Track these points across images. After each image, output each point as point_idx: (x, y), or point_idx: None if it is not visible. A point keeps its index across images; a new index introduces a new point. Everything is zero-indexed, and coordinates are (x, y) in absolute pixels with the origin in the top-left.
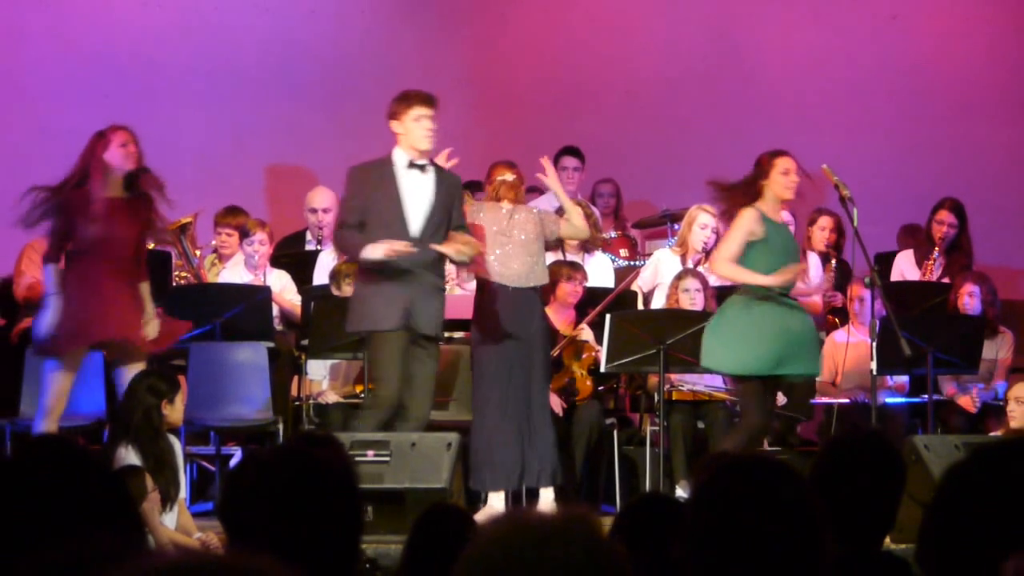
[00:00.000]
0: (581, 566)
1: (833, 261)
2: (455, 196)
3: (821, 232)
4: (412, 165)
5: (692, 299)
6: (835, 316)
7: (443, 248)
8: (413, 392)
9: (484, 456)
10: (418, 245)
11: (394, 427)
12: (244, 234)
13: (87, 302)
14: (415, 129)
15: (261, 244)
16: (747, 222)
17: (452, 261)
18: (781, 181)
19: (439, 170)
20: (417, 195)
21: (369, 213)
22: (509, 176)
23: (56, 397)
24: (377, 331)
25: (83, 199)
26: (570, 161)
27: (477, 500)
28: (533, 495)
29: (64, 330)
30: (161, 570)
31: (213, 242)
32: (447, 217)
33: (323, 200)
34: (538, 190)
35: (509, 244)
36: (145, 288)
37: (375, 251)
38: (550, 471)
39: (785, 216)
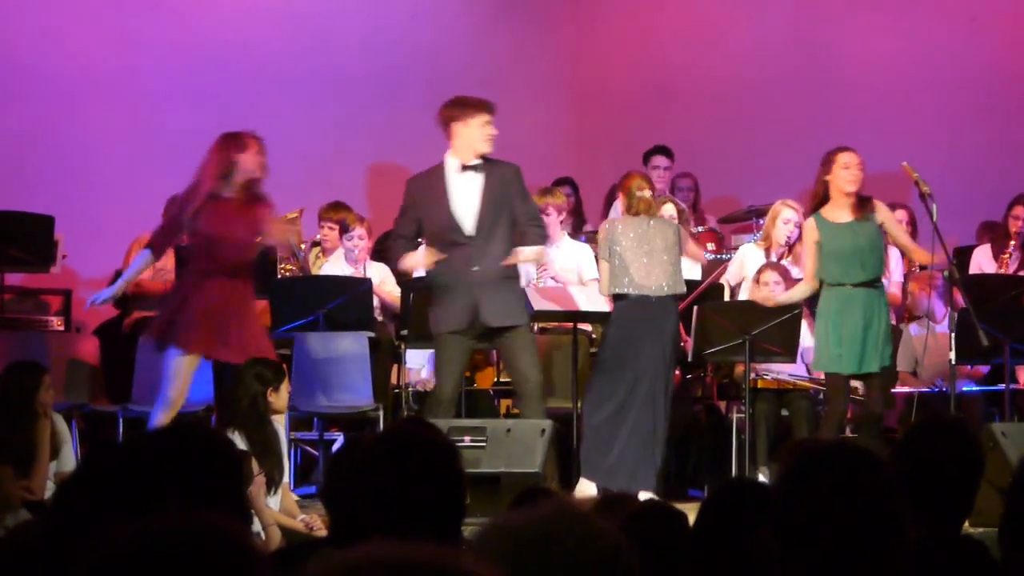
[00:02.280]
0: (579, 558)
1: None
2: (510, 185)
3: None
4: (465, 168)
5: (772, 291)
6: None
7: (512, 260)
8: (516, 365)
9: (594, 451)
10: (475, 242)
11: (516, 403)
12: (344, 229)
13: (207, 311)
14: (479, 134)
15: (360, 239)
16: (806, 234)
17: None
18: (842, 175)
19: (490, 166)
20: (466, 196)
21: (424, 221)
22: (647, 193)
23: (178, 390)
24: (438, 333)
25: (204, 194)
26: (661, 160)
27: (570, 484)
28: None
29: (183, 333)
30: (367, 566)
31: (317, 236)
32: (505, 209)
33: None
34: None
35: (651, 254)
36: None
37: (407, 262)
38: (654, 479)
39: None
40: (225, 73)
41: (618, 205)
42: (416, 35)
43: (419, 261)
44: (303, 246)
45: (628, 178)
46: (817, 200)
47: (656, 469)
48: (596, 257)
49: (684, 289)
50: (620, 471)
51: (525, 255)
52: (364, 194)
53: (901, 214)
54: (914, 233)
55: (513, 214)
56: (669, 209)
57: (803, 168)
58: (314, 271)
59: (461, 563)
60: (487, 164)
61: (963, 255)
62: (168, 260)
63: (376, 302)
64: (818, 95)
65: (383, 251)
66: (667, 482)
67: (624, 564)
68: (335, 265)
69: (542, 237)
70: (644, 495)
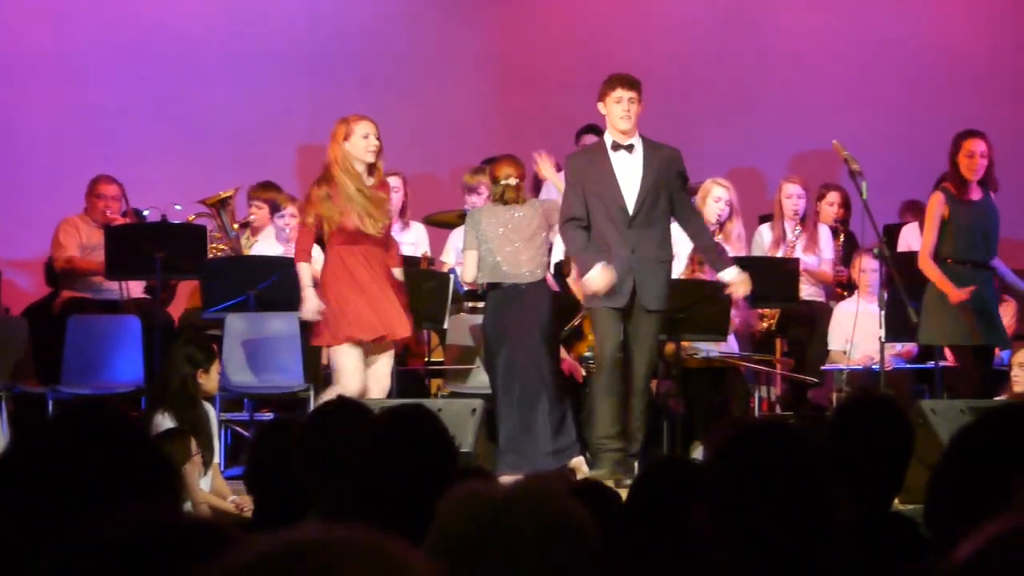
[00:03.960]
0: (543, 533)
1: (842, 236)
2: (671, 168)
3: (830, 207)
4: (618, 147)
5: (705, 270)
6: (843, 288)
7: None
8: (637, 358)
9: (507, 443)
10: (633, 224)
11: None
12: (275, 208)
13: (348, 298)
14: (615, 110)
15: (292, 217)
16: (932, 207)
17: None
18: (965, 163)
19: (648, 146)
20: (628, 175)
21: (589, 198)
22: (513, 180)
23: (349, 379)
24: (595, 306)
25: (330, 190)
26: (592, 139)
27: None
28: None
29: (330, 326)
30: (279, 553)
31: (252, 217)
32: (665, 191)
33: None
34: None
35: (518, 241)
36: (399, 274)
37: (591, 284)
38: (570, 448)
39: (796, 190)
40: (155, 53)
41: (548, 186)
42: (346, 13)
43: (603, 283)
44: (236, 226)
45: (496, 166)
46: (949, 178)
47: (571, 443)
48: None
49: (550, 268)
50: (518, 460)
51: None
52: (296, 173)
53: (834, 196)
54: (846, 216)
55: (671, 198)
56: None
57: (733, 145)
58: (245, 250)
59: (385, 547)
60: (646, 147)
61: (892, 233)
62: (94, 236)
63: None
64: (747, 71)
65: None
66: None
67: (589, 541)
68: (265, 245)
69: (710, 233)
70: (575, 462)
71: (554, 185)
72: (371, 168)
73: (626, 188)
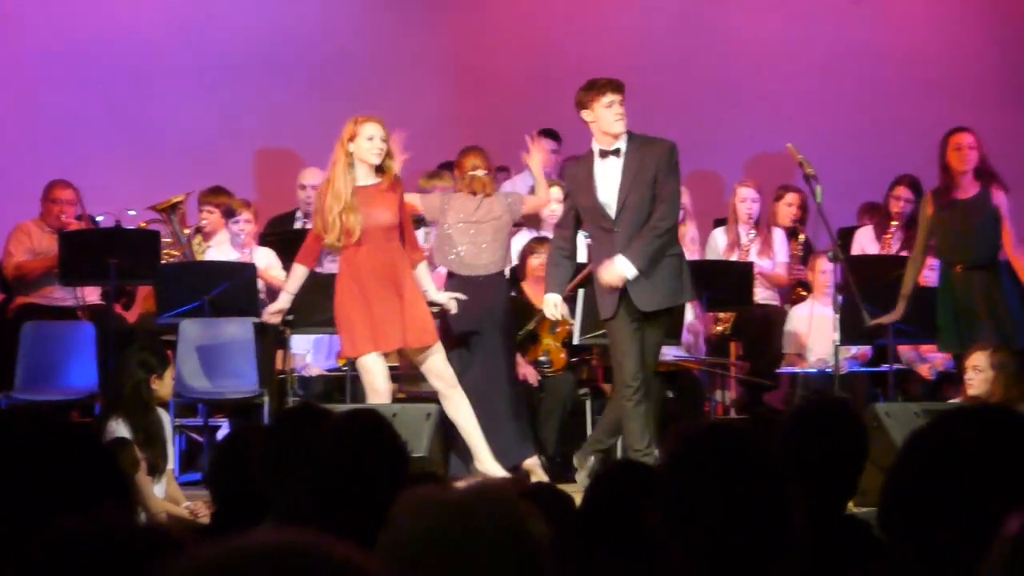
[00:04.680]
0: (494, 537)
1: (801, 236)
2: (657, 163)
3: (788, 208)
4: (605, 153)
5: None
6: (803, 288)
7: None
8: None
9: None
10: (617, 227)
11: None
12: (229, 214)
13: (360, 308)
14: (607, 115)
15: (247, 223)
16: (922, 209)
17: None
18: (954, 156)
19: (634, 146)
20: (608, 180)
21: (579, 205)
22: (481, 172)
23: (371, 388)
24: (603, 320)
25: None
26: (548, 143)
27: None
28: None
29: (348, 337)
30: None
31: (204, 222)
32: (649, 188)
33: (312, 177)
34: (508, 170)
35: (478, 234)
36: (422, 269)
37: (546, 308)
38: (523, 447)
39: (751, 193)
40: (109, 58)
41: (505, 185)
42: (301, 18)
43: (554, 314)
44: (187, 231)
45: (464, 156)
46: (941, 179)
47: (524, 440)
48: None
49: (511, 263)
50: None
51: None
52: (252, 178)
53: (792, 197)
54: (803, 217)
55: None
56: (556, 193)
57: (688, 148)
58: (198, 256)
59: (335, 551)
60: (632, 146)
61: (846, 236)
62: (45, 242)
63: (262, 286)
64: (703, 75)
65: (273, 236)
66: (552, 465)
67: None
68: (220, 250)
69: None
70: (527, 462)
71: (535, 178)
72: (379, 170)
73: (605, 193)
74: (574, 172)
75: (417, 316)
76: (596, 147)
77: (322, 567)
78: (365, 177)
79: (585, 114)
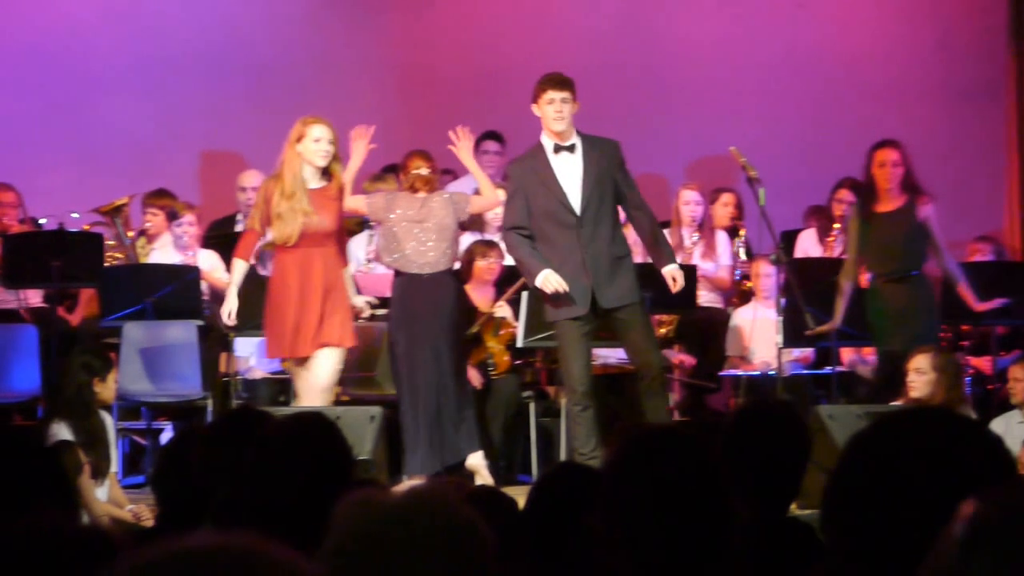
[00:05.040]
0: (438, 539)
1: (742, 232)
2: (612, 162)
3: (724, 208)
4: (559, 148)
5: None
6: (747, 280)
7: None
8: (635, 348)
9: (409, 442)
10: (582, 224)
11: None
12: (172, 216)
13: (286, 312)
14: (547, 112)
15: (190, 225)
16: (851, 223)
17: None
18: (879, 172)
19: (587, 144)
20: (571, 176)
21: (534, 204)
22: (424, 170)
23: (301, 392)
24: (556, 320)
25: (271, 191)
26: (491, 145)
27: (400, 471)
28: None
29: (270, 339)
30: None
31: (148, 224)
32: (609, 187)
33: (252, 180)
34: (453, 172)
35: (422, 232)
36: (346, 275)
37: (547, 285)
38: (469, 440)
39: (694, 196)
40: (50, 60)
41: (450, 187)
42: (244, 20)
43: (559, 285)
44: (131, 234)
45: (408, 158)
46: (864, 193)
47: (470, 437)
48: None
49: (456, 263)
50: (427, 453)
51: (680, 281)
52: (196, 181)
53: (728, 197)
54: (740, 216)
55: (617, 192)
56: (502, 195)
57: (631, 151)
58: (141, 259)
59: (270, 553)
60: (586, 144)
61: (789, 239)
62: None
63: (205, 288)
64: (646, 78)
65: (216, 239)
66: (496, 467)
67: (483, 547)
68: (163, 253)
69: (657, 225)
70: (472, 460)
71: (469, 168)
72: (325, 172)
73: (570, 189)
74: (525, 168)
75: (336, 321)
76: (548, 142)
77: (259, 569)
78: (311, 179)
79: (534, 108)
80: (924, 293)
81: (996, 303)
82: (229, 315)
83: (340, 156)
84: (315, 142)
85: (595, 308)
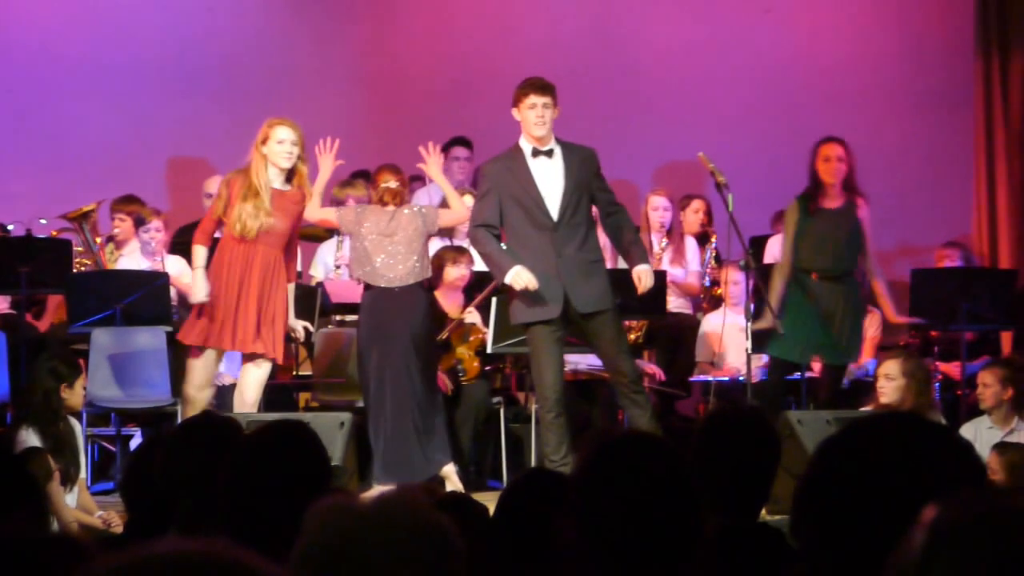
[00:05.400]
0: (408, 546)
1: (713, 239)
2: (590, 169)
3: (695, 215)
4: (537, 152)
5: None
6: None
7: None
8: (608, 354)
9: (381, 454)
10: (557, 229)
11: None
12: (140, 222)
13: (217, 300)
14: (528, 116)
15: (157, 231)
16: (786, 217)
17: None
18: (823, 166)
19: (566, 150)
20: (549, 180)
21: (506, 206)
22: (393, 183)
23: (189, 378)
24: (527, 323)
25: (246, 186)
26: (460, 151)
27: (371, 477)
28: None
29: (193, 324)
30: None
31: (116, 230)
32: (585, 193)
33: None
34: (422, 179)
35: (391, 245)
36: (290, 290)
37: (517, 281)
38: (441, 455)
39: (662, 202)
40: (18, 65)
41: (419, 194)
42: (213, 27)
43: (529, 282)
44: (99, 240)
45: (378, 172)
46: (809, 188)
47: (443, 449)
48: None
49: (429, 274)
50: (394, 466)
51: (646, 281)
52: (164, 187)
53: (698, 204)
54: (710, 223)
55: (592, 199)
56: (469, 201)
57: (602, 157)
58: (110, 265)
59: (244, 560)
60: (564, 149)
61: (758, 245)
62: None
63: (174, 294)
64: (614, 83)
65: (184, 244)
66: (467, 473)
67: (454, 553)
68: (131, 259)
69: (632, 227)
70: (446, 471)
71: (439, 184)
72: (290, 174)
73: (548, 194)
74: (501, 168)
75: (266, 328)
76: (527, 146)
77: (225, 574)
78: (274, 179)
79: (514, 112)
80: (856, 296)
81: (912, 320)
82: (205, 295)
83: (305, 158)
84: (279, 144)
85: (566, 313)
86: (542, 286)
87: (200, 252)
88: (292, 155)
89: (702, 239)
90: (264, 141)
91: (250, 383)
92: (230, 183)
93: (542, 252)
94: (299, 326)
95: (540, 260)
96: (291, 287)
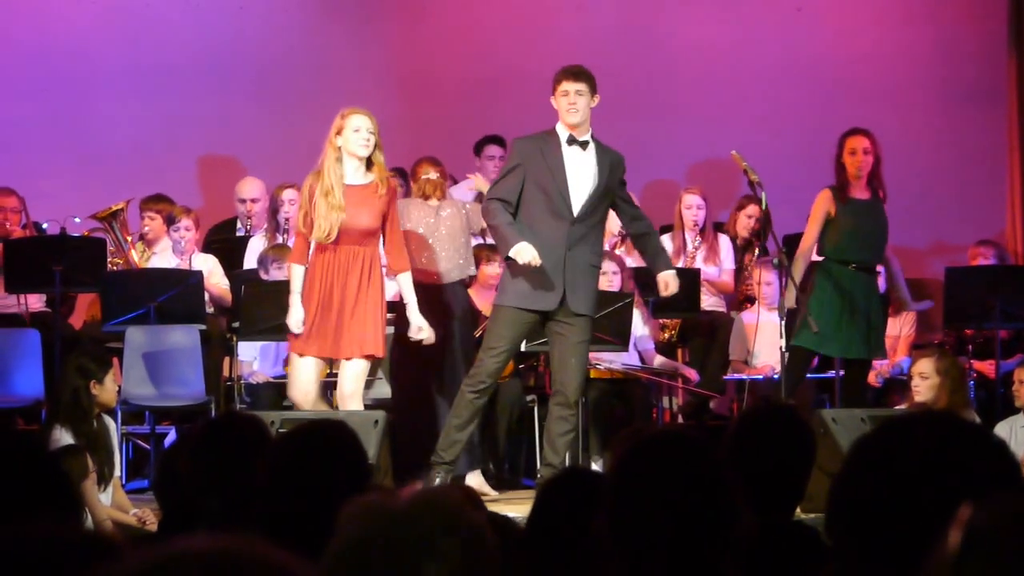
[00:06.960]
0: (443, 544)
1: (757, 250)
2: (616, 174)
3: (748, 219)
4: (572, 141)
5: (609, 281)
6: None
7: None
8: (563, 366)
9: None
10: (574, 223)
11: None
12: (170, 221)
13: (308, 311)
14: (561, 103)
15: (187, 230)
16: (817, 204)
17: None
18: (849, 159)
19: (600, 148)
20: (579, 173)
21: (528, 187)
22: (433, 175)
23: (293, 388)
24: (514, 307)
25: (319, 184)
26: (494, 150)
27: (405, 475)
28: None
29: (298, 334)
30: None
31: (146, 229)
32: (608, 196)
33: (251, 191)
34: (452, 178)
35: (436, 242)
36: (404, 279)
37: (521, 256)
38: (469, 457)
39: (696, 200)
40: (51, 65)
41: (453, 190)
42: (245, 26)
43: (533, 259)
44: (129, 238)
45: (417, 164)
46: (836, 179)
47: (471, 454)
48: None
49: (473, 271)
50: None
51: (672, 286)
52: (195, 186)
53: (754, 210)
54: (761, 231)
55: (609, 203)
56: (479, 183)
57: (634, 155)
58: (141, 263)
59: (272, 557)
60: (598, 146)
61: (792, 243)
62: None
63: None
64: (647, 82)
65: (216, 243)
66: (500, 472)
67: (488, 549)
68: (162, 258)
69: (657, 235)
70: (471, 480)
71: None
72: (369, 163)
73: (575, 186)
74: (533, 148)
75: (357, 328)
76: (563, 132)
77: (256, 572)
78: (354, 174)
79: (552, 101)
80: (878, 290)
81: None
82: (297, 324)
83: (382, 147)
84: (355, 132)
85: (563, 308)
86: (545, 275)
87: (296, 273)
88: (369, 143)
89: (746, 245)
90: (339, 132)
91: (348, 377)
92: (308, 189)
93: (553, 242)
94: (416, 325)
95: (549, 250)
96: (405, 276)
